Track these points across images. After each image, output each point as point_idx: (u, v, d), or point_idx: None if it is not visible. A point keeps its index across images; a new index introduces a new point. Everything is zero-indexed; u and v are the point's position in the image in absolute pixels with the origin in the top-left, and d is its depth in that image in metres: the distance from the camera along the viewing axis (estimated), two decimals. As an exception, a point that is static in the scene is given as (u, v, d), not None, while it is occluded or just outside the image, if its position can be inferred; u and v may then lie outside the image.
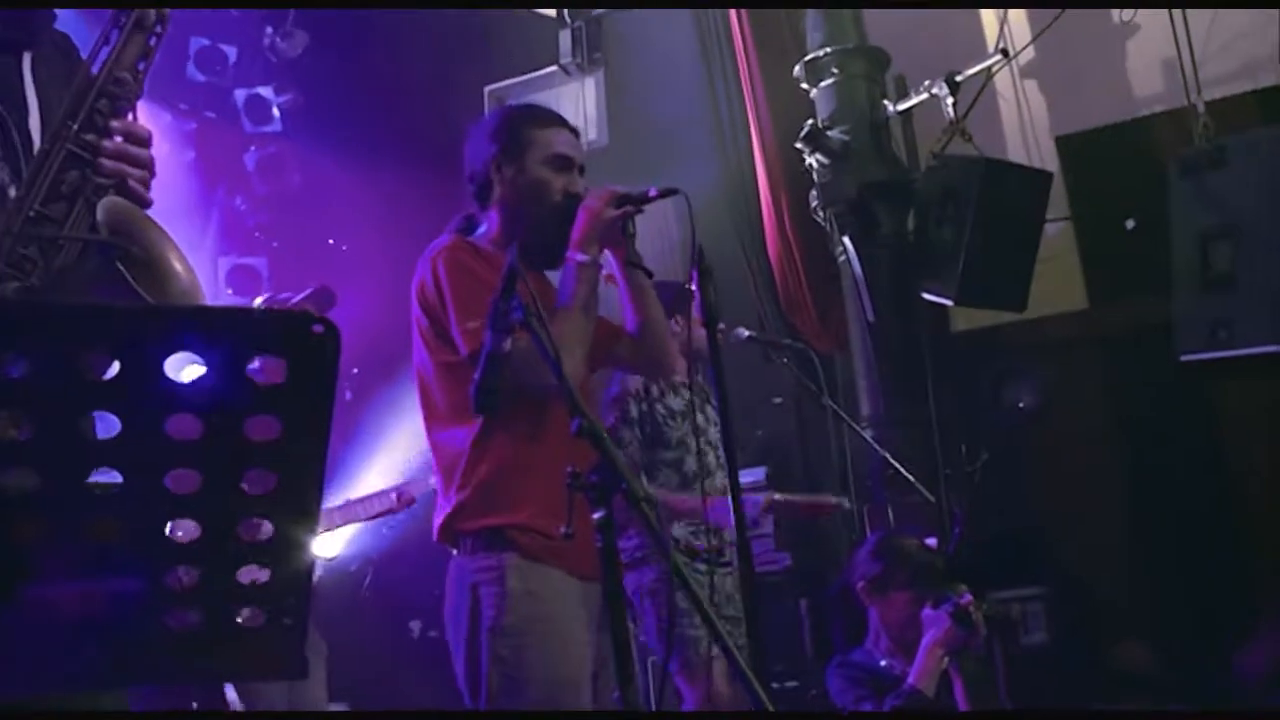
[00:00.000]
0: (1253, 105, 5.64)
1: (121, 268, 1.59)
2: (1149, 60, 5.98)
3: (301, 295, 4.54)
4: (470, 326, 2.42)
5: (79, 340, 0.92)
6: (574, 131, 2.77)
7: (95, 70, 1.73)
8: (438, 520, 2.60)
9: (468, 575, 2.52)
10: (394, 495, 4.54)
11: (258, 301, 4.68)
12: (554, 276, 2.67)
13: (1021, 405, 5.76)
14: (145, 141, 1.76)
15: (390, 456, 4.68)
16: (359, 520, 4.61)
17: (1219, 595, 5.25)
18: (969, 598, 3.41)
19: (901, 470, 4.72)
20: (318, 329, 0.95)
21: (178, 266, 1.69)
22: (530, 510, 2.48)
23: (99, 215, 1.64)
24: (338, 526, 4.68)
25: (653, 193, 2.57)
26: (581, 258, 2.53)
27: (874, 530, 5.00)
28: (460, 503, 2.53)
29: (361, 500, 4.56)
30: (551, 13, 7.24)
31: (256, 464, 1.01)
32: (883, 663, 3.54)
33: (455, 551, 2.58)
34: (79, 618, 1.06)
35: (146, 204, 1.74)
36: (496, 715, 2.43)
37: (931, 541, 4.68)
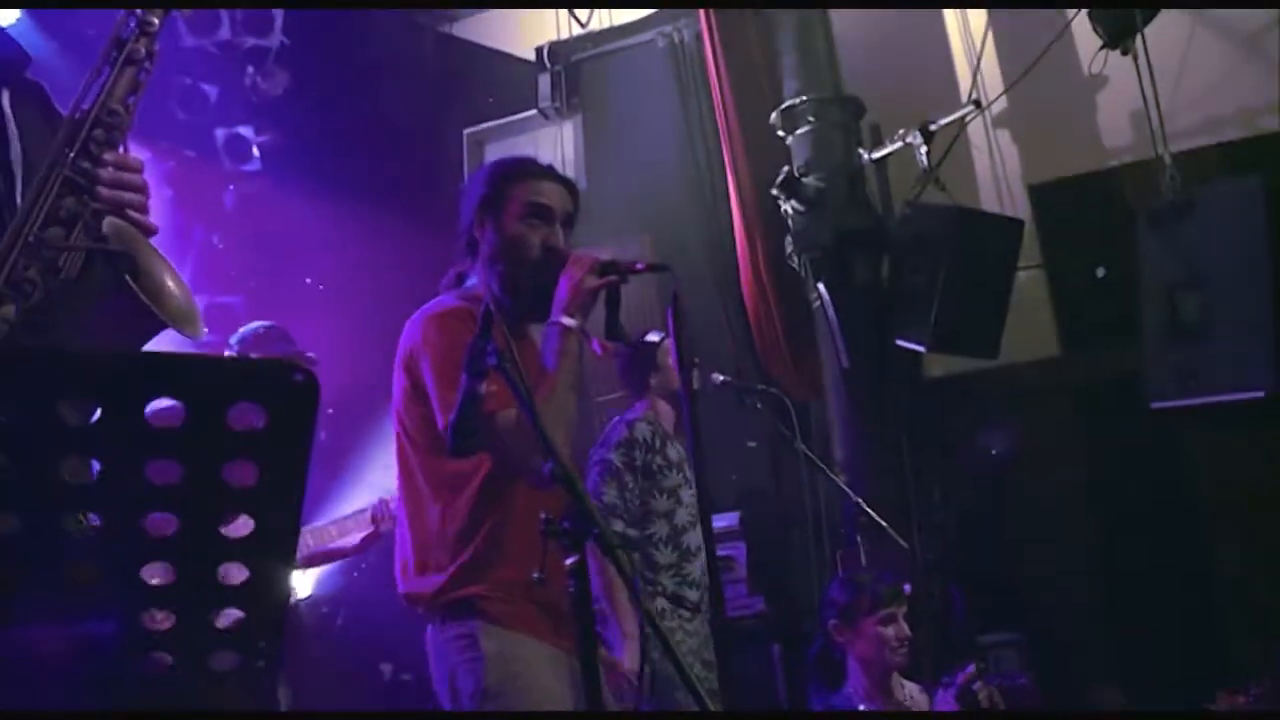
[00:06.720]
0: (1218, 158, 5.75)
1: (130, 280, 1.62)
2: (1118, 112, 6.09)
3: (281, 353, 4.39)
4: (451, 399, 2.37)
5: (62, 385, 0.94)
6: (560, 180, 2.73)
7: (89, 102, 1.78)
8: (408, 588, 2.58)
9: (443, 647, 2.53)
10: (369, 515, 4.34)
11: (236, 336, 4.55)
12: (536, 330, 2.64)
13: (994, 451, 5.81)
14: (139, 170, 1.81)
15: (366, 497, 4.61)
16: (342, 549, 4.45)
17: (1190, 639, 5.29)
18: (971, 668, 3.47)
19: (874, 516, 4.74)
20: (298, 378, 0.97)
21: (173, 287, 1.74)
22: (499, 579, 2.48)
23: (105, 231, 1.68)
24: (320, 563, 4.62)
25: (640, 266, 2.56)
26: (567, 322, 2.49)
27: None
28: (438, 584, 2.52)
29: (338, 529, 4.40)
30: (531, 56, 7.31)
31: (234, 508, 1.02)
32: (860, 707, 3.58)
33: (429, 625, 2.59)
34: (52, 659, 1.07)
35: (149, 231, 1.78)
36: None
37: (905, 588, 4.71)
